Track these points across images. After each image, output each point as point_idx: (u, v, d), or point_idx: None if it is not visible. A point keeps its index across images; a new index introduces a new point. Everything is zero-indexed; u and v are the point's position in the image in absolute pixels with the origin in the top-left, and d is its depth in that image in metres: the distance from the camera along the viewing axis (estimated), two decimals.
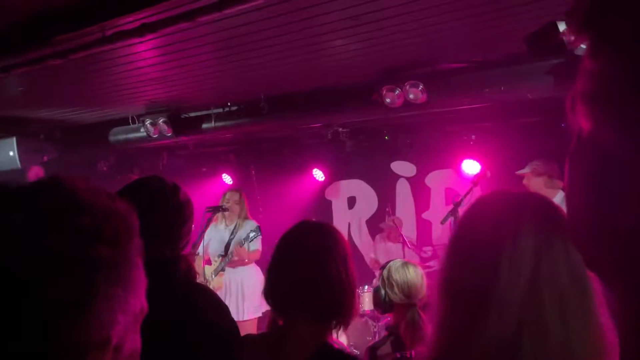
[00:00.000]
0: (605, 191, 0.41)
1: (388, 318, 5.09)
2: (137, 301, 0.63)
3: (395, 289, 2.60)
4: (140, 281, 0.63)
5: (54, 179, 0.62)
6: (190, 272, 1.73)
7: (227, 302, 5.44)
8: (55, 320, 0.55)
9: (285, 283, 1.57)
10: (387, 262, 2.82)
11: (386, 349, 2.59)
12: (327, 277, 1.53)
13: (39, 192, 0.61)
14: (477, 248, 0.92)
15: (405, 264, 2.74)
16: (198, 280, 5.28)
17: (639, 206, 0.39)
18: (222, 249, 5.35)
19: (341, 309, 1.55)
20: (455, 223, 3.63)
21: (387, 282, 2.64)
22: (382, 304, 2.69)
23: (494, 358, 0.85)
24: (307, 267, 1.55)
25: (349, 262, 1.60)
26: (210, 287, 5.13)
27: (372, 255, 6.35)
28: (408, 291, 2.57)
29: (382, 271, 2.76)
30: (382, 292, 2.67)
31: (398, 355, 2.45)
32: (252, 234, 5.23)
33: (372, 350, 2.67)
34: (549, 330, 0.85)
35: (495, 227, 0.92)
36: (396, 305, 2.61)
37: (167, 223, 1.71)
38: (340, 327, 1.57)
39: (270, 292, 1.61)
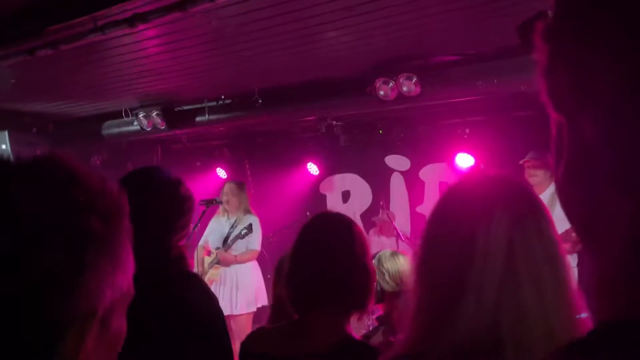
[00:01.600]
0: (576, 176, 0.46)
1: (381, 312, 5.12)
2: (125, 279, 0.64)
3: (387, 277, 2.61)
4: (128, 261, 0.64)
5: (51, 154, 0.64)
6: (182, 262, 1.74)
7: (220, 295, 5.42)
8: (45, 288, 0.56)
9: (310, 276, 1.55)
10: (376, 253, 2.83)
11: (378, 337, 2.61)
12: (353, 268, 1.53)
13: (36, 165, 0.62)
14: (452, 233, 0.93)
15: (395, 253, 2.76)
16: (196, 271, 5.24)
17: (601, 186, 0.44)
18: (221, 241, 5.32)
19: (364, 300, 1.55)
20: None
21: (378, 271, 2.65)
22: (374, 293, 2.70)
23: (474, 341, 0.85)
24: (334, 259, 1.53)
25: (369, 252, 1.62)
26: (206, 278, 5.14)
27: None
28: (400, 279, 2.58)
29: (372, 261, 2.77)
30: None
31: (392, 339, 2.47)
32: (243, 232, 5.16)
33: (364, 339, 2.69)
34: (527, 311, 0.86)
35: (468, 211, 0.93)
36: (388, 294, 2.62)
37: (165, 213, 1.74)
38: (360, 316, 1.57)
39: (292, 284, 1.58)
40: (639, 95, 0.41)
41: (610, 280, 0.44)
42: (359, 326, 5.20)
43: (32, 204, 0.57)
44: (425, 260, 0.95)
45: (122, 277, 0.63)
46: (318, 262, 1.54)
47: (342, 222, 1.63)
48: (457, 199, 0.98)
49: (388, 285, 2.61)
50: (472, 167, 4.71)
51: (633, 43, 0.40)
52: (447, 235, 0.93)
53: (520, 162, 4.61)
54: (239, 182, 5.66)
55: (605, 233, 0.44)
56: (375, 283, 2.66)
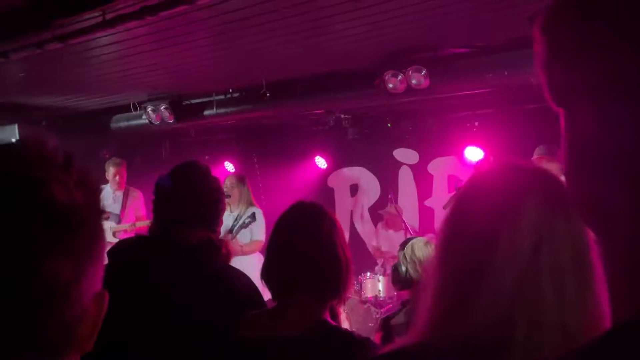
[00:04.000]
0: (582, 166, 0.47)
1: (390, 305, 5.13)
2: (98, 249, 0.64)
3: (418, 267, 2.61)
4: (99, 231, 0.64)
5: (34, 139, 0.64)
6: (228, 257, 1.93)
7: None
8: (36, 255, 0.56)
9: (285, 264, 1.59)
10: (408, 240, 2.83)
11: (399, 319, 2.62)
12: (328, 256, 1.56)
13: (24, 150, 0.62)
14: (475, 225, 0.90)
15: (428, 242, 2.76)
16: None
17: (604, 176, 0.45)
18: (226, 235, 5.33)
19: (339, 288, 1.58)
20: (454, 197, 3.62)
21: (410, 259, 2.66)
22: (401, 280, 2.71)
23: (484, 337, 0.83)
24: (308, 247, 1.56)
25: (345, 241, 1.64)
26: None
27: (374, 243, 6.35)
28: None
29: (404, 248, 2.77)
30: (403, 268, 2.70)
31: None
32: (247, 220, 5.17)
33: (386, 320, 2.71)
34: (545, 311, 0.83)
35: (495, 204, 0.89)
36: (415, 282, 2.62)
37: (213, 207, 1.96)
38: (336, 304, 1.61)
39: (269, 274, 1.63)
40: (632, 92, 0.41)
41: (620, 276, 0.43)
42: (367, 319, 5.22)
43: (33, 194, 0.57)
44: (446, 250, 0.93)
45: (95, 247, 0.63)
46: (291, 252, 1.58)
47: (316, 212, 1.66)
48: (483, 191, 0.94)
49: (417, 274, 2.62)
50: (481, 161, 4.68)
51: (625, 44, 0.41)
52: (469, 229, 0.91)
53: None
54: (239, 175, 5.66)
55: (611, 225, 0.44)
56: (400, 269, 2.66)
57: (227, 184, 5.42)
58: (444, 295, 0.90)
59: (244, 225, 5.18)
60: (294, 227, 1.63)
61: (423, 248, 2.68)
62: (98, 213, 0.63)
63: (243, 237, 5.27)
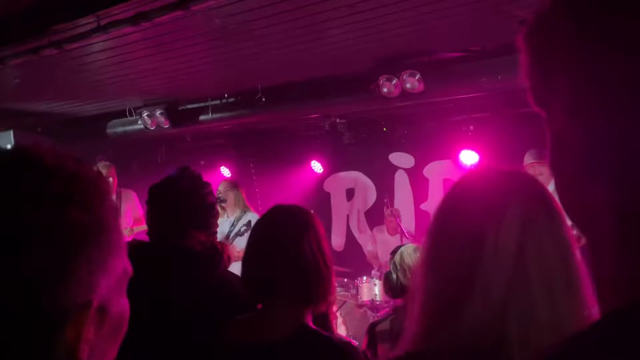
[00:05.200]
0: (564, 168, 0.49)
1: (387, 309, 5.13)
2: (119, 263, 0.63)
3: (408, 274, 2.61)
4: (118, 243, 0.63)
5: (18, 148, 0.63)
6: (229, 262, 1.98)
7: None
8: (34, 286, 0.55)
9: (260, 269, 1.59)
10: (398, 248, 2.83)
11: (385, 325, 2.62)
12: (300, 261, 1.54)
13: (4, 162, 0.61)
14: (461, 228, 0.91)
15: (417, 248, 2.76)
16: None
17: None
18: (222, 240, 5.33)
19: (316, 293, 1.56)
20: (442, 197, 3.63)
21: (400, 267, 2.66)
22: (393, 288, 2.71)
23: (478, 340, 0.84)
24: (280, 252, 1.56)
25: (324, 245, 1.61)
26: None
27: (370, 248, 6.35)
28: None
29: (394, 256, 2.78)
30: (394, 276, 2.70)
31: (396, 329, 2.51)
32: (243, 228, 5.18)
33: (372, 326, 2.71)
34: (537, 310, 0.84)
35: (478, 206, 0.91)
36: (407, 290, 2.62)
37: (207, 211, 1.99)
38: (316, 309, 1.59)
39: (246, 279, 1.63)
40: (602, 92, 0.43)
41: (603, 274, 0.44)
42: (363, 323, 5.22)
43: (3, 203, 0.56)
44: (433, 255, 0.94)
45: (114, 261, 0.62)
46: (267, 256, 1.57)
47: (294, 216, 1.64)
48: (467, 193, 0.96)
49: (408, 281, 2.62)
50: (477, 163, 4.70)
51: (601, 46, 0.42)
52: (455, 230, 0.92)
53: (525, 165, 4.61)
54: (231, 180, 5.67)
55: (593, 225, 0.45)
56: (391, 277, 2.66)
57: (220, 190, 5.42)
58: (434, 301, 0.90)
59: (240, 233, 5.18)
60: (266, 232, 1.64)
61: (412, 255, 2.68)
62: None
63: (240, 243, 5.27)
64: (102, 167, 5.97)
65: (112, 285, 0.61)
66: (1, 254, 0.55)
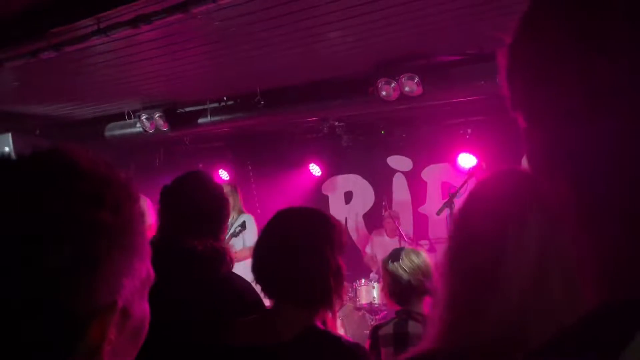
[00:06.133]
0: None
1: (385, 312, 5.12)
2: (143, 266, 0.64)
3: (419, 275, 2.59)
4: (144, 247, 0.64)
5: (53, 149, 0.63)
6: (232, 264, 1.95)
7: None
8: (61, 284, 0.56)
9: (269, 270, 1.58)
10: (397, 252, 2.79)
11: (388, 329, 2.61)
12: (312, 266, 1.54)
13: (39, 161, 0.62)
14: (483, 228, 0.91)
15: (416, 250, 2.75)
16: None
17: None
18: None
19: (324, 297, 1.55)
20: (453, 212, 3.62)
21: (409, 269, 2.61)
22: (402, 292, 2.65)
23: (502, 339, 0.84)
24: (290, 255, 1.55)
25: (336, 249, 1.60)
26: None
27: (368, 251, 6.35)
28: (421, 276, 2.57)
29: (400, 261, 2.72)
30: (405, 279, 2.63)
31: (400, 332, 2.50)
32: (237, 229, 5.19)
33: (375, 329, 2.70)
34: (557, 313, 0.84)
35: (502, 207, 0.91)
36: (415, 291, 2.60)
37: (218, 214, 1.98)
38: (326, 312, 1.59)
39: (256, 276, 1.62)
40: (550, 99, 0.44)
41: (581, 273, 0.46)
42: (362, 326, 5.22)
43: (36, 201, 0.57)
44: (456, 253, 0.94)
45: (139, 265, 0.63)
46: (275, 259, 1.57)
47: (305, 220, 1.63)
48: (489, 195, 0.96)
49: (420, 282, 2.60)
50: (474, 168, 4.71)
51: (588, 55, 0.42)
52: (479, 228, 0.92)
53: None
54: (231, 184, 5.69)
55: (566, 224, 0.47)
56: (401, 281, 2.63)
57: None
58: (455, 302, 0.91)
59: (235, 234, 5.19)
60: (276, 232, 1.63)
61: (418, 256, 2.67)
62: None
63: (236, 244, 5.28)
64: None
65: (135, 288, 0.62)
66: (29, 251, 0.55)
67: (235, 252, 5.20)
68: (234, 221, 5.37)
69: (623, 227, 0.41)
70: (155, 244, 1.90)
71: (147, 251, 0.65)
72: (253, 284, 1.72)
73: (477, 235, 0.92)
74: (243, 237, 5.27)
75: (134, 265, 0.62)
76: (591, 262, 0.45)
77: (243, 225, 5.20)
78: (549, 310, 0.85)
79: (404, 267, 2.65)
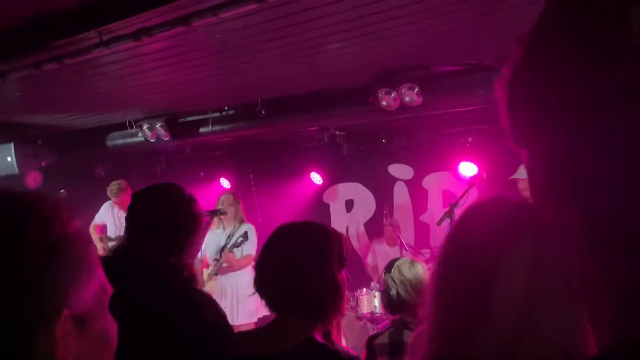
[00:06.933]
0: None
1: (387, 321, 5.11)
2: (93, 278, 0.73)
3: (408, 288, 2.60)
4: (89, 261, 0.73)
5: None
6: (192, 279, 1.84)
7: (222, 306, 5.55)
8: (11, 298, 0.65)
9: (270, 286, 1.60)
10: (392, 262, 2.81)
11: (384, 339, 2.61)
12: (312, 281, 1.55)
13: None
14: (474, 252, 0.92)
15: (413, 262, 2.75)
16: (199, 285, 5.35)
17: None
18: (218, 253, 5.36)
19: (322, 312, 1.57)
20: (452, 225, 3.61)
21: (399, 281, 2.63)
22: (392, 304, 2.68)
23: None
24: (289, 272, 1.56)
25: (335, 264, 1.60)
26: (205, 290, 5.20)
27: (369, 261, 6.35)
28: (420, 288, 2.57)
29: (391, 272, 2.74)
30: (394, 291, 2.66)
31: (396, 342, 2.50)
32: (239, 239, 5.22)
33: (371, 339, 2.70)
34: (546, 340, 0.85)
35: (492, 233, 0.92)
36: (407, 304, 2.61)
37: (178, 231, 1.85)
38: (325, 326, 1.60)
39: (258, 291, 1.64)
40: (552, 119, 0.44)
41: (589, 304, 0.45)
42: (363, 335, 5.21)
43: None
44: (445, 278, 0.95)
45: (84, 277, 0.71)
46: (275, 276, 1.58)
47: (305, 236, 1.63)
48: (481, 220, 0.97)
49: (410, 295, 2.60)
50: (475, 177, 4.71)
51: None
52: (468, 254, 0.93)
53: (510, 178, 4.61)
54: (233, 194, 5.70)
55: (568, 248, 0.46)
56: (391, 292, 2.64)
57: (224, 201, 5.45)
58: (445, 321, 0.92)
59: (237, 245, 5.21)
60: (277, 246, 1.63)
61: (410, 268, 2.67)
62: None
63: (237, 254, 5.30)
64: (116, 186, 6.05)
65: (87, 299, 0.71)
66: None
67: (237, 260, 5.24)
68: (235, 231, 5.38)
69: (631, 251, 0.39)
70: (114, 255, 1.85)
71: (94, 264, 0.74)
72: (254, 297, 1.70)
73: (467, 260, 0.93)
74: (242, 247, 5.28)
75: (80, 277, 0.70)
76: (600, 290, 0.43)
77: (245, 236, 5.22)
78: (538, 334, 0.85)
79: (394, 278, 2.66)
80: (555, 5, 0.46)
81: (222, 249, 5.33)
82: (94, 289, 0.72)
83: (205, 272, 5.36)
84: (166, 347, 1.66)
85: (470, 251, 0.93)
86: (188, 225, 1.89)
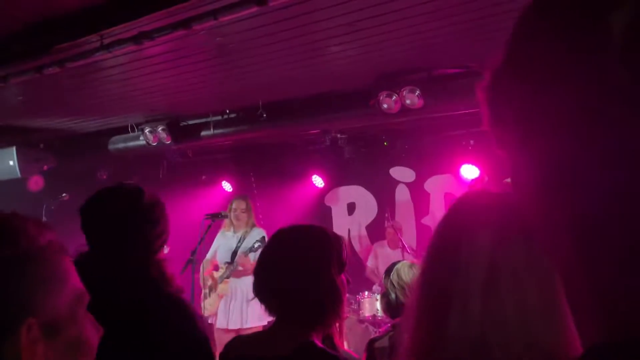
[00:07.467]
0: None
1: (389, 324, 5.10)
2: (64, 288, 0.75)
3: (407, 291, 2.59)
4: (54, 273, 0.76)
5: None
6: (162, 279, 1.69)
7: (231, 309, 5.49)
8: None
9: (268, 291, 1.61)
10: (393, 265, 2.80)
11: (384, 342, 2.61)
12: (306, 287, 1.55)
13: None
14: (444, 248, 0.94)
15: (412, 265, 2.74)
16: (201, 284, 5.26)
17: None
18: (229, 256, 5.37)
19: (321, 316, 1.56)
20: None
21: (397, 285, 2.63)
22: (392, 307, 2.68)
23: (465, 353, 0.85)
24: (287, 278, 1.56)
25: (334, 268, 1.59)
26: (216, 293, 5.22)
27: (370, 264, 6.34)
28: None
29: (390, 275, 2.75)
30: (393, 295, 2.66)
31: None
32: (256, 244, 5.23)
33: (371, 342, 2.70)
34: (509, 329, 0.84)
35: (459, 223, 0.94)
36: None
37: (135, 227, 1.70)
38: (325, 330, 1.60)
39: (257, 296, 1.64)
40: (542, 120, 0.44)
41: (574, 301, 0.45)
42: (365, 338, 5.19)
43: None
44: (424, 277, 0.97)
45: (52, 287, 0.74)
46: (274, 280, 1.58)
47: (303, 240, 1.62)
48: (450, 216, 0.99)
49: (407, 299, 2.59)
50: (476, 179, 4.71)
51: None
52: (441, 250, 0.95)
53: (506, 181, 4.61)
54: (245, 196, 5.70)
55: (555, 248, 0.46)
56: (390, 296, 2.64)
57: (236, 208, 5.46)
58: (422, 316, 0.93)
59: (254, 249, 5.22)
60: (275, 252, 1.63)
61: (408, 272, 2.67)
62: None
63: (252, 258, 5.31)
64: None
65: (57, 308, 0.73)
66: None
67: (252, 264, 5.25)
68: (246, 234, 5.40)
69: (622, 254, 0.39)
70: (79, 261, 1.78)
71: (66, 274, 0.76)
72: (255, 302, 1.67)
73: (440, 256, 0.94)
74: (260, 251, 5.29)
75: (47, 288, 0.73)
76: (586, 292, 0.43)
77: (262, 241, 5.22)
78: (502, 324, 0.84)
79: (393, 282, 2.66)
80: (537, 8, 0.46)
81: (234, 252, 5.34)
82: (66, 298, 0.75)
83: (215, 274, 5.38)
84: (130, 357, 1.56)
85: (442, 246, 0.95)
86: (143, 219, 1.72)
